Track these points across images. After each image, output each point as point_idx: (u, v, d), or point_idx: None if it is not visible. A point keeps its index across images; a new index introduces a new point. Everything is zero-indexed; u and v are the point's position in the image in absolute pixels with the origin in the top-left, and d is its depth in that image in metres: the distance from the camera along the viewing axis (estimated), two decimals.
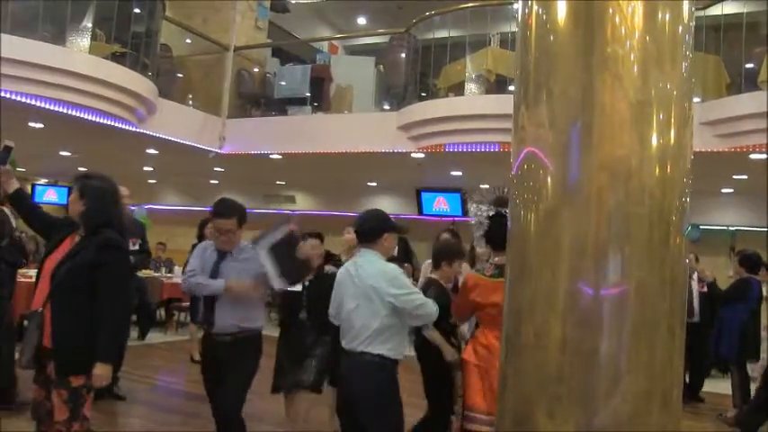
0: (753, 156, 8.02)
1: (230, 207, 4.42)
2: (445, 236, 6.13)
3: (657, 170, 2.54)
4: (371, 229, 4.21)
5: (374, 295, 4.00)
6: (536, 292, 2.59)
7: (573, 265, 2.52)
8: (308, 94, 11.00)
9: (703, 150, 7.87)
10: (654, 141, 2.55)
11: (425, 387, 4.91)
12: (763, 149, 7.72)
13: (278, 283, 4.39)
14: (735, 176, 9.72)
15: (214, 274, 4.40)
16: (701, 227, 11.82)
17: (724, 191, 11.12)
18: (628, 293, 2.48)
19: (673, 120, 2.60)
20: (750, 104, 7.70)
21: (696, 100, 8.53)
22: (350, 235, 5.37)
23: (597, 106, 2.57)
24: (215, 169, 12.80)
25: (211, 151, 10.75)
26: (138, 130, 9.26)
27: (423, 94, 10.02)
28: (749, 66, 8.57)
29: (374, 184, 13.51)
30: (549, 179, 2.61)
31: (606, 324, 2.49)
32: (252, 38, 12.19)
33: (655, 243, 2.52)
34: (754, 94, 7.71)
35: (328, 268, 5.22)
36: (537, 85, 2.71)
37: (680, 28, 2.68)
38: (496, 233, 4.10)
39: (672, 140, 2.58)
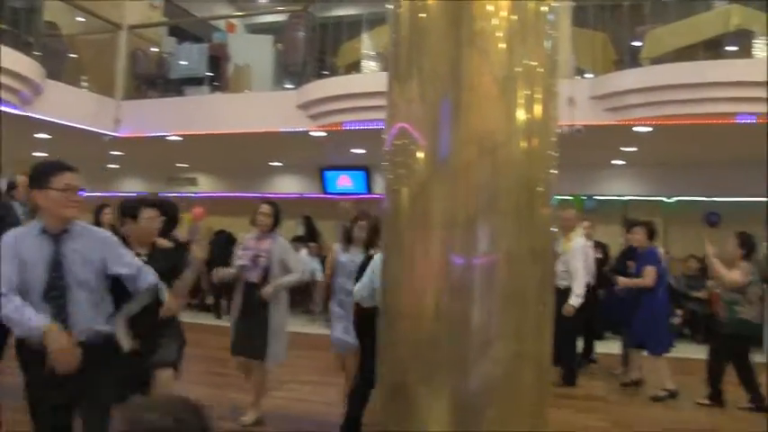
0: (636, 128, 8.38)
1: None
2: None
3: (523, 143, 2.64)
4: None
5: None
6: (410, 263, 2.65)
7: (444, 237, 2.59)
8: (206, 74, 10.76)
9: (594, 124, 8.16)
10: (519, 115, 2.64)
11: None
12: (647, 123, 8.09)
13: (126, 345, 3.51)
14: (623, 149, 10.15)
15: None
16: (596, 197, 12.32)
17: (615, 162, 11.59)
18: (497, 262, 2.57)
19: (538, 95, 2.69)
20: (634, 79, 8.05)
21: (588, 76, 8.86)
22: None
23: (465, 82, 2.63)
24: (113, 153, 12.38)
25: (106, 134, 10.38)
26: (22, 113, 8.83)
27: (324, 73, 9.97)
28: (635, 43, 8.94)
29: (278, 163, 13.39)
30: (420, 154, 2.66)
31: (477, 292, 2.57)
32: (147, 17, 11.79)
33: (522, 213, 2.62)
34: (637, 70, 8.06)
35: (162, 242, 4.51)
36: (408, 61, 2.76)
37: (544, 7, 2.77)
38: None
39: (537, 115, 2.68)
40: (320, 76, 9.65)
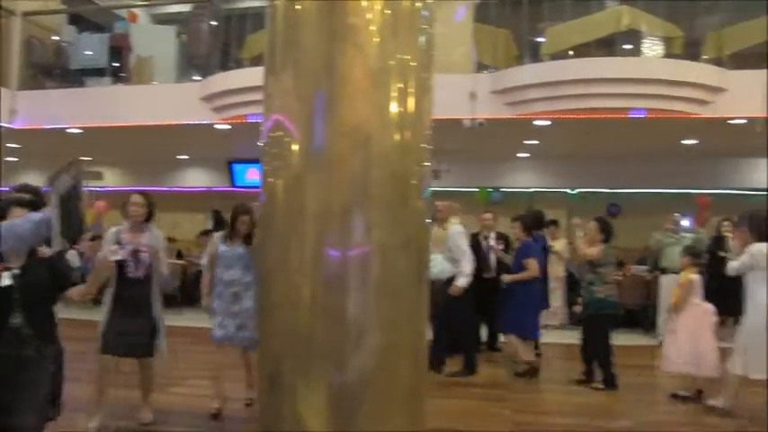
0: (536, 122, 8.62)
1: None
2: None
3: (396, 136, 2.69)
4: None
5: None
6: (284, 255, 2.67)
7: (318, 228, 2.61)
8: (108, 65, 10.43)
9: (495, 117, 8.34)
10: (392, 109, 2.69)
11: None
12: (546, 117, 8.33)
13: (57, 244, 3.34)
14: (525, 142, 10.42)
15: None
16: (502, 189, 12.62)
17: (520, 155, 11.89)
18: (371, 254, 2.62)
19: (411, 88, 2.75)
20: (533, 75, 8.27)
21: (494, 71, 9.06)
22: None
23: (339, 75, 2.66)
24: (9, 145, 11.85)
25: (1, 126, 9.93)
26: None
27: (230, 65, 9.82)
28: (537, 39, 9.20)
29: (185, 156, 13.12)
30: (294, 146, 2.68)
31: (351, 284, 2.61)
32: (44, 4, 11.32)
33: (395, 205, 2.67)
34: (536, 66, 8.29)
35: (44, 251, 3.66)
36: (283, 54, 2.77)
37: (418, 3, 2.82)
38: None
39: (410, 108, 2.74)
40: (226, 69, 9.51)
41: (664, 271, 9.10)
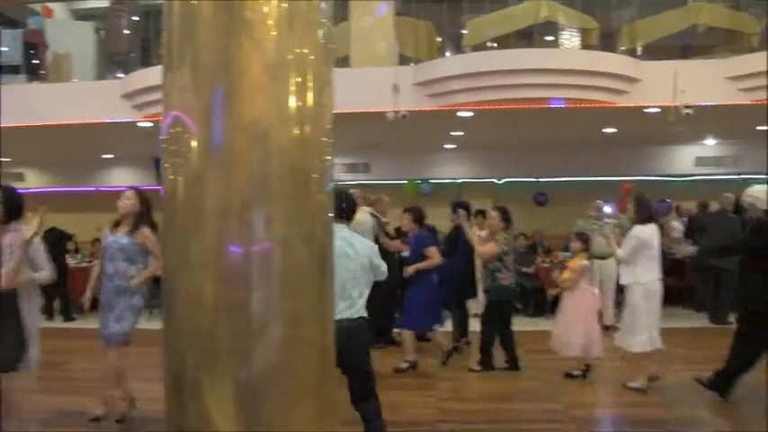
0: (460, 113, 8.76)
1: None
2: None
3: (295, 130, 2.68)
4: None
5: (368, 267, 4.51)
6: (186, 252, 2.64)
7: (219, 225, 2.59)
8: (23, 62, 10.10)
9: (418, 109, 8.44)
10: (290, 103, 2.68)
11: None
12: (468, 108, 8.47)
13: None
14: (452, 133, 10.57)
15: None
16: (431, 181, 12.77)
17: (447, 147, 12.06)
18: (272, 249, 2.61)
19: (309, 82, 2.75)
20: (455, 66, 8.40)
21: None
22: None
23: (236, 69, 2.64)
24: None
25: None
26: None
27: (151, 62, 9.64)
28: (460, 31, 9.33)
29: (109, 155, 12.84)
30: (193, 142, 2.65)
31: (253, 279, 2.60)
32: None
33: (295, 199, 2.66)
34: (457, 57, 8.42)
35: None
36: (180, 49, 2.73)
37: None
38: None
39: (309, 102, 2.73)
40: (147, 65, 9.34)
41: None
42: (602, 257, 8.98)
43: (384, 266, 4.64)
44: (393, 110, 8.16)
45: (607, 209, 9.38)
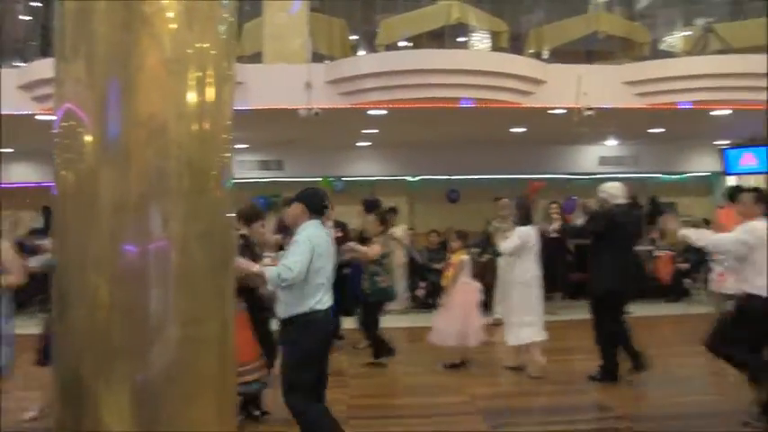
0: (372, 112, 8.80)
1: None
2: None
3: (193, 126, 2.64)
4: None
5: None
6: (79, 251, 2.56)
7: (114, 223, 2.53)
8: None
9: (330, 107, 8.43)
10: (189, 98, 2.64)
11: None
12: (381, 106, 8.52)
13: None
14: (364, 131, 10.62)
15: None
16: (344, 178, 12.78)
17: (361, 144, 12.10)
18: (169, 247, 2.57)
19: (209, 78, 2.71)
20: (368, 65, 8.44)
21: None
22: None
23: (134, 63, 2.58)
24: None
25: None
26: None
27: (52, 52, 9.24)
28: (375, 30, 9.38)
29: (8, 150, 12.24)
30: (87, 137, 2.57)
31: (149, 278, 2.55)
32: None
33: (193, 196, 2.62)
34: (370, 56, 8.46)
35: None
36: (75, 41, 2.64)
37: None
38: None
39: (209, 98, 2.70)
40: (47, 55, 8.95)
41: (497, 254, 9.57)
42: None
43: None
44: (306, 107, 8.13)
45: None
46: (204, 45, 2.69)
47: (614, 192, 6.39)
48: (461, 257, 7.07)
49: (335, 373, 7.12)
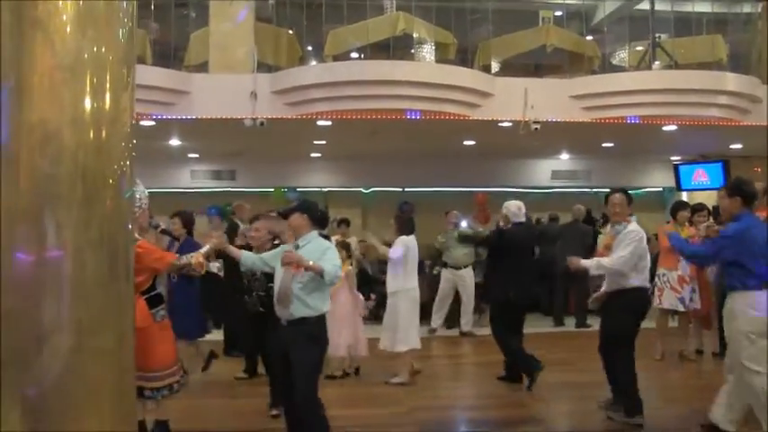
0: (319, 122, 8.78)
1: None
2: None
3: (89, 133, 2.58)
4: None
5: None
6: None
7: (5, 231, 2.45)
8: None
9: (276, 117, 8.39)
10: (85, 105, 2.58)
11: None
12: (326, 117, 8.51)
13: None
14: (315, 142, 10.59)
15: None
16: (298, 189, 12.73)
17: (313, 155, 12.06)
18: (61, 256, 2.50)
19: (107, 84, 2.65)
20: (314, 75, 8.42)
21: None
22: None
23: (26, 67, 2.51)
24: None
25: None
26: None
27: None
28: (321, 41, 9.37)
29: None
30: None
31: (41, 287, 2.48)
32: None
33: (88, 205, 2.56)
34: (315, 66, 8.45)
35: None
36: None
37: None
38: None
39: (106, 104, 2.64)
40: None
41: (445, 265, 9.60)
42: (458, 268, 9.28)
43: None
44: (251, 117, 8.08)
45: (463, 222, 9.64)
46: (101, 50, 2.63)
47: (515, 210, 6.78)
48: (346, 268, 7.08)
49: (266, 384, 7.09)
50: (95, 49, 2.62)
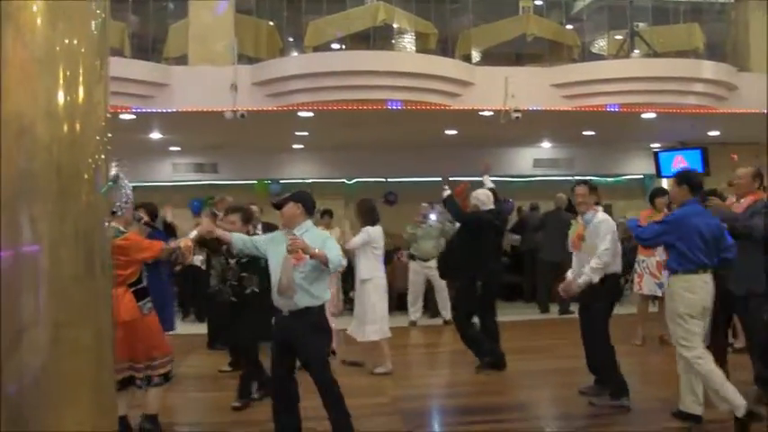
0: (301, 113, 8.76)
1: None
2: None
3: (63, 127, 2.56)
4: None
5: None
6: None
7: None
8: None
9: (257, 109, 8.36)
10: (58, 98, 2.56)
11: None
12: (307, 108, 8.49)
13: None
14: (297, 133, 10.56)
15: None
16: (282, 181, 12.70)
17: (295, 146, 12.04)
18: (36, 250, 2.49)
19: (80, 77, 2.63)
20: (294, 66, 8.40)
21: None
22: None
23: (1, 59, 2.50)
24: None
25: None
26: None
27: None
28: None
29: None
30: None
31: (16, 282, 2.46)
32: None
33: (63, 200, 2.54)
34: (295, 57, 8.42)
35: None
36: None
37: None
38: None
39: (79, 97, 2.62)
40: None
41: (413, 258, 9.62)
42: (426, 259, 9.32)
43: None
44: (231, 109, 8.05)
45: (432, 215, 9.65)
46: (73, 42, 2.62)
47: (483, 198, 7.04)
48: None
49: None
50: (67, 41, 2.60)
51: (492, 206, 7.07)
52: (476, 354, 6.86)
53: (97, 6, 2.74)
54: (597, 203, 5.69)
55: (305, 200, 4.59)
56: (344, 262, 4.55)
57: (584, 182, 5.85)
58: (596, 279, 5.41)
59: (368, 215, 6.93)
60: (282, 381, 4.63)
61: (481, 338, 6.87)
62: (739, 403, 4.65)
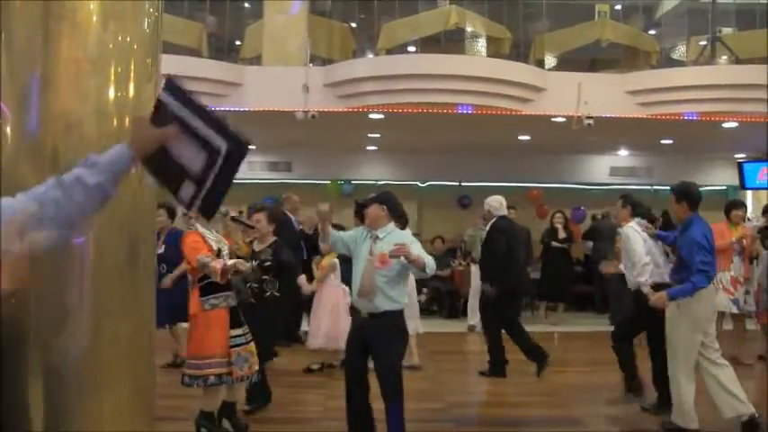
0: (371, 115, 8.82)
1: None
2: None
3: (113, 122, 2.68)
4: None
5: None
6: None
7: None
8: None
9: (328, 110, 8.47)
10: (109, 94, 2.68)
11: None
12: (378, 110, 8.55)
13: None
14: (369, 135, 10.63)
15: None
16: (353, 182, 12.82)
17: (369, 148, 12.13)
18: (83, 240, 2.61)
19: (131, 74, 2.75)
20: (366, 68, 8.47)
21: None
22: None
23: (55, 57, 2.62)
24: None
25: None
26: None
27: None
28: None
29: None
30: (7, 129, 2.63)
31: (65, 271, 2.59)
32: None
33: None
34: (367, 59, 8.49)
35: None
36: None
37: None
38: None
39: (129, 94, 2.73)
40: None
41: (474, 261, 9.51)
42: None
43: None
44: (302, 110, 8.19)
45: None
46: (126, 40, 2.73)
47: (496, 205, 7.04)
48: (331, 260, 7.03)
49: (324, 375, 7.17)
50: (121, 39, 2.72)
51: (505, 212, 7.04)
52: (530, 358, 6.83)
53: (150, 6, 2.84)
54: (636, 216, 5.73)
55: (389, 202, 4.55)
56: (434, 265, 4.42)
57: (622, 196, 5.95)
58: (646, 289, 5.33)
59: (402, 218, 6.88)
60: (361, 382, 4.63)
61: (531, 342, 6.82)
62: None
